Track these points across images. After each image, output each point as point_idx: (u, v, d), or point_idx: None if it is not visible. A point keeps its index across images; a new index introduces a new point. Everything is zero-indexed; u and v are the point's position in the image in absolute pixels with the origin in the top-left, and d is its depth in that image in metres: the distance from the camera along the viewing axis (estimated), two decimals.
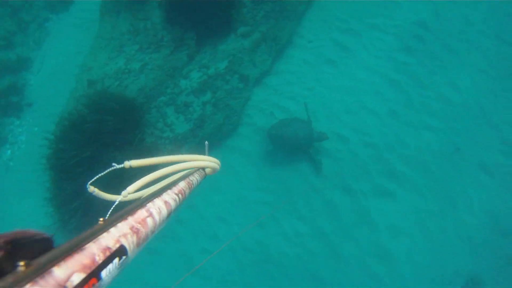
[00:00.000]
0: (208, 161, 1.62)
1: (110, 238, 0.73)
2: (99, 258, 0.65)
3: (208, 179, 1.73)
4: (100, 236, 0.70)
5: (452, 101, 6.18)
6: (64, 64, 7.90)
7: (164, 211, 1.07)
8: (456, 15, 6.67)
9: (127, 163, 1.22)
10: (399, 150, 5.92)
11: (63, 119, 5.69)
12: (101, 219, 0.76)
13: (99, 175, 1.15)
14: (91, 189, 1.16)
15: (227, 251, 5.76)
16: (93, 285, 0.61)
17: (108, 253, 0.68)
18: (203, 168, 1.65)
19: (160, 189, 1.20)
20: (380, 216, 5.64)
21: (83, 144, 5.11)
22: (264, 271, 5.66)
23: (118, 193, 1.13)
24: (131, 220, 0.85)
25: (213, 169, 1.72)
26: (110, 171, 1.15)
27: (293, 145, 5.83)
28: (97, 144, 5.16)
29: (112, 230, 0.76)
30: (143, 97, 5.83)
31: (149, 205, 1.01)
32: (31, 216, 6.53)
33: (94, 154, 5.06)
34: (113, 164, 1.20)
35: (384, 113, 6.07)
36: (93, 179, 1.10)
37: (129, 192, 1.21)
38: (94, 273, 0.62)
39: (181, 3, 6.00)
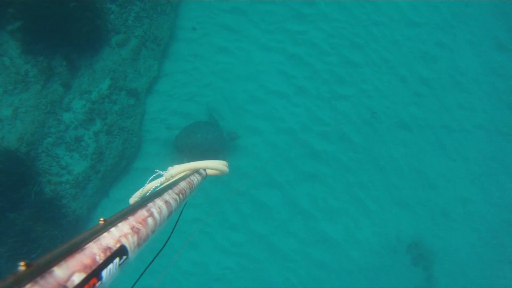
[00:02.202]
0: (222, 165, 3.19)
1: (111, 238, 1.16)
2: (100, 258, 1.02)
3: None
4: (101, 236, 1.12)
5: (357, 61, 9.23)
6: None
7: (165, 211, 1.72)
8: None
9: (171, 168, 2.65)
10: (315, 128, 9.05)
11: None
12: (102, 218, 1.18)
13: (146, 184, 2.43)
14: (132, 201, 2.43)
15: (168, 281, 8.78)
16: (94, 285, 0.96)
17: (108, 253, 1.08)
18: (205, 169, 2.97)
19: (161, 189, 1.93)
20: (311, 202, 8.55)
21: None
22: None
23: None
24: (131, 220, 1.36)
25: (222, 171, 3.23)
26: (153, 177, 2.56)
27: (206, 151, 8.83)
28: None
29: (113, 230, 1.21)
30: (26, 145, 8.49)
31: (150, 204, 1.63)
32: None
33: None
34: (156, 170, 2.47)
35: (291, 92, 9.00)
36: (140, 190, 2.48)
37: (172, 175, 2.48)
38: (95, 273, 0.98)
39: (37, 27, 8.61)
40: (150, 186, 2.52)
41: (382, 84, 9.22)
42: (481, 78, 9.45)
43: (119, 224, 1.33)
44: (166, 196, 1.95)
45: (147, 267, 1.82)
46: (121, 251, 1.21)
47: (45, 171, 8.29)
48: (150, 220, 1.56)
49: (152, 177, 2.69)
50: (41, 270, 0.86)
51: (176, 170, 2.71)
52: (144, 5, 9.08)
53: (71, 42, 8.41)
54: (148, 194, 2.20)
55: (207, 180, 3.16)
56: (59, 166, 8.37)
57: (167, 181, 2.62)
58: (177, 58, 9.24)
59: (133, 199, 2.47)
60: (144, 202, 1.67)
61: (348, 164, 8.84)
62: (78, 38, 8.51)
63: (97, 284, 1.02)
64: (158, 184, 2.59)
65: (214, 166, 3.17)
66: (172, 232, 2.28)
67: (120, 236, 1.26)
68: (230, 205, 8.64)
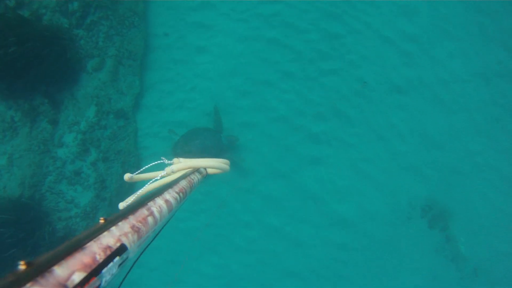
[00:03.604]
0: (223, 164, 3.36)
1: (111, 237, 1.18)
2: (100, 257, 1.05)
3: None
4: (101, 235, 1.15)
5: (337, 33, 8.85)
6: None
7: (165, 210, 1.74)
8: None
9: (177, 160, 2.82)
10: (308, 110, 8.86)
11: None
12: (102, 218, 1.24)
13: (146, 166, 2.64)
14: (127, 177, 2.69)
15: (194, 286, 8.94)
16: (94, 283, 0.99)
17: (108, 252, 1.11)
18: (205, 168, 3.08)
19: (161, 188, 1.99)
20: (319, 185, 8.47)
21: None
22: None
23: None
24: (132, 219, 1.40)
25: (223, 170, 3.38)
26: (156, 164, 2.72)
27: (206, 157, 8.74)
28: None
29: (113, 229, 1.24)
30: (28, 189, 8.58)
31: (150, 203, 1.65)
32: None
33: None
34: (162, 157, 2.75)
35: (278, 78, 8.72)
36: (138, 171, 2.69)
37: (173, 171, 2.55)
38: (95, 272, 1.01)
39: (9, 73, 8.49)
40: (148, 188, 2.64)
41: (367, 51, 8.86)
42: (468, 21, 8.95)
43: (120, 223, 1.35)
44: (167, 195, 1.98)
45: (132, 265, 1.69)
46: (121, 250, 1.22)
47: (53, 209, 8.38)
48: (150, 219, 1.58)
49: (156, 163, 2.79)
50: (41, 269, 0.87)
51: (178, 166, 2.78)
52: (110, 23, 8.81)
53: (47, 79, 8.28)
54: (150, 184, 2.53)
55: (212, 181, 3.18)
56: (65, 201, 8.43)
57: (168, 176, 2.72)
58: (157, 68, 9.04)
59: (123, 204, 2.52)
60: (144, 201, 1.69)
61: (348, 140, 8.67)
62: (52, 73, 8.35)
63: (98, 283, 1.04)
64: (159, 178, 2.71)
65: (215, 165, 3.28)
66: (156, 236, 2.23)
67: (120, 235, 1.28)
68: (240, 204, 8.63)
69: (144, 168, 2.71)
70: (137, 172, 2.72)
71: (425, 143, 8.76)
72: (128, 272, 1.66)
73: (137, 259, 1.76)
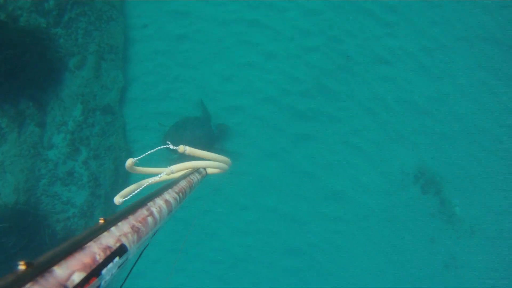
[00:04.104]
0: (224, 164, 3.46)
1: (111, 237, 1.19)
2: (100, 257, 1.06)
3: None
4: (101, 235, 1.16)
5: (318, 9, 8.77)
6: None
7: (165, 210, 1.77)
8: None
9: (182, 148, 2.89)
10: (294, 88, 8.78)
11: None
12: (102, 218, 1.24)
13: (151, 150, 2.56)
14: (130, 163, 2.62)
15: (197, 274, 9.11)
16: (94, 283, 1.00)
17: (108, 252, 1.11)
18: (205, 168, 3.25)
19: (160, 188, 2.00)
20: (311, 162, 8.53)
21: None
22: (242, 272, 9.02)
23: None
24: (131, 219, 1.40)
25: (223, 170, 3.48)
26: (161, 148, 2.72)
27: (195, 147, 8.71)
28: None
29: (113, 229, 1.25)
30: (24, 194, 8.60)
31: (150, 204, 1.67)
32: None
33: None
34: (168, 142, 2.77)
35: (261, 60, 8.68)
36: (142, 156, 2.58)
37: (173, 171, 2.59)
38: (95, 272, 1.02)
39: None
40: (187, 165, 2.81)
41: (349, 24, 8.81)
42: None
43: (119, 223, 1.36)
44: (166, 195, 2.00)
45: (133, 265, 1.74)
46: (121, 250, 1.23)
47: (50, 212, 8.42)
48: (150, 219, 1.59)
49: (161, 147, 2.81)
50: (41, 269, 0.89)
51: (178, 167, 2.85)
52: (88, 18, 8.70)
53: (30, 82, 8.21)
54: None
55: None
56: (62, 202, 8.47)
57: (167, 177, 2.76)
58: (140, 60, 8.98)
59: (118, 198, 2.54)
60: (144, 201, 1.70)
61: (337, 115, 8.70)
62: (35, 76, 8.27)
63: (98, 283, 1.05)
64: (157, 179, 2.73)
65: (215, 165, 3.32)
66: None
67: (120, 235, 1.29)
68: (234, 188, 8.69)
69: (149, 152, 2.69)
70: (141, 156, 2.69)
71: (412, 111, 8.80)
72: (130, 272, 1.69)
73: (136, 261, 1.78)
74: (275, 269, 8.78)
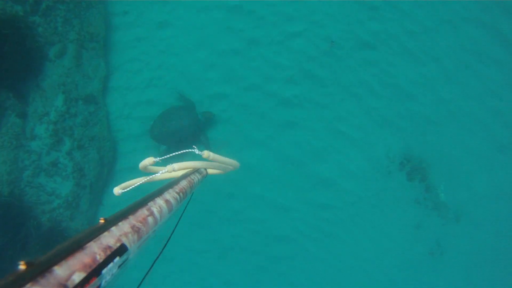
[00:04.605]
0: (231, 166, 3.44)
1: (111, 237, 1.19)
2: (100, 257, 1.07)
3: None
4: (101, 235, 1.16)
5: None
6: None
7: (165, 210, 1.78)
8: None
9: (207, 153, 2.75)
10: (278, 75, 8.65)
11: None
12: (102, 218, 1.24)
13: (174, 154, 2.59)
14: (151, 161, 2.58)
15: (186, 264, 9.10)
16: (94, 283, 1.00)
17: (109, 252, 1.12)
18: (205, 168, 3.05)
19: (161, 188, 2.00)
20: (297, 149, 8.49)
21: None
22: (231, 261, 8.95)
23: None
24: (132, 219, 1.41)
25: (226, 171, 3.47)
26: (186, 152, 2.63)
27: (183, 137, 8.67)
28: None
29: (113, 229, 1.25)
30: (7, 186, 8.49)
31: (150, 203, 1.67)
32: None
33: None
34: (194, 146, 2.66)
35: (244, 47, 8.58)
36: (164, 157, 2.61)
37: (174, 169, 2.48)
38: (95, 272, 1.02)
39: None
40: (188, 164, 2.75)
41: (332, 9, 8.70)
42: None
43: (120, 223, 1.36)
44: (167, 195, 1.99)
45: (153, 264, 1.85)
46: (121, 250, 1.23)
47: (35, 203, 8.35)
48: (150, 219, 1.59)
49: (187, 150, 2.74)
50: (41, 269, 0.88)
51: (180, 165, 2.75)
52: (67, 6, 8.53)
53: (10, 73, 8.07)
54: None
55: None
56: (46, 193, 8.39)
57: (169, 174, 2.71)
58: (122, 48, 8.86)
59: (117, 189, 2.48)
60: (144, 200, 1.70)
61: (321, 101, 8.64)
62: (14, 66, 8.14)
63: (98, 283, 1.05)
64: (159, 174, 2.66)
65: (218, 166, 3.31)
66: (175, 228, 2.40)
67: (120, 235, 1.28)
68: (221, 178, 8.57)
69: (172, 154, 2.68)
70: (164, 157, 2.66)
71: (397, 96, 8.74)
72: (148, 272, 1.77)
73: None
74: (264, 257, 8.78)
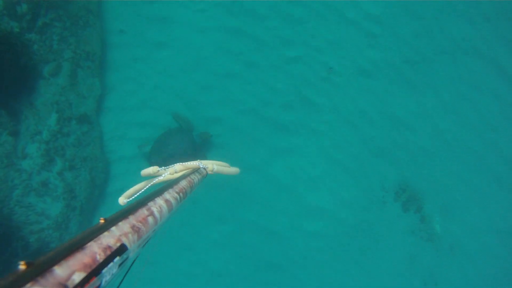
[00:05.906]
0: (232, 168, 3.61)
1: (111, 237, 1.20)
2: (100, 257, 1.07)
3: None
4: (101, 235, 1.17)
5: (300, 17, 8.59)
6: None
7: (165, 210, 1.79)
8: None
9: (211, 167, 3.13)
10: (275, 100, 8.62)
11: None
12: (102, 218, 1.26)
13: (186, 163, 2.97)
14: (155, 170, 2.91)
15: (173, 286, 8.92)
16: (94, 283, 1.00)
17: (109, 252, 1.12)
18: (205, 168, 3.13)
19: (161, 188, 2.01)
20: (291, 176, 8.41)
21: None
22: (219, 286, 8.93)
23: None
24: (132, 219, 1.41)
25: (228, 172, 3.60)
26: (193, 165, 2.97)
27: (183, 159, 8.49)
28: None
29: (113, 229, 1.26)
30: None
31: (150, 203, 1.67)
32: None
33: None
34: (199, 161, 3.05)
35: (242, 70, 8.50)
36: (169, 166, 2.86)
37: (176, 171, 2.79)
38: (95, 272, 1.02)
39: None
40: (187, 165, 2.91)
41: (331, 35, 8.65)
42: None
43: (120, 223, 1.35)
44: (167, 195, 1.99)
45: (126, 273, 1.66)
46: (121, 250, 1.23)
47: (24, 223, 8.18)
48: (150, 219, 1.59)
49: (199, 165, 3.02)
50: (41, 269, 0.87)
51: (181, 166, 2.91)
52: (64, 24, 8.40)
53: (3, 90, 7.93)
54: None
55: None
56: (36, 213, 8.23)
57: (171, 176, 2.80)
58: (117, 67, 8.75)
59: (122, 199, 2.58)
60: (144, 201, 1.70)
61: (318, 128, 8.57)
62: (7, 84, 7.99)
63: (98, 283, 1.04)
64: (161, 178, 2.77)
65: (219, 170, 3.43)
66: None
67: (120, 235, 1.28)
68: (213, 200, 8.52)
69: (179, 164, 2.88)
70: (170, 167, 2.89)
71: (394, 126, 8.69)
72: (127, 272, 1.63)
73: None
74: (253, 284, 8.63)
